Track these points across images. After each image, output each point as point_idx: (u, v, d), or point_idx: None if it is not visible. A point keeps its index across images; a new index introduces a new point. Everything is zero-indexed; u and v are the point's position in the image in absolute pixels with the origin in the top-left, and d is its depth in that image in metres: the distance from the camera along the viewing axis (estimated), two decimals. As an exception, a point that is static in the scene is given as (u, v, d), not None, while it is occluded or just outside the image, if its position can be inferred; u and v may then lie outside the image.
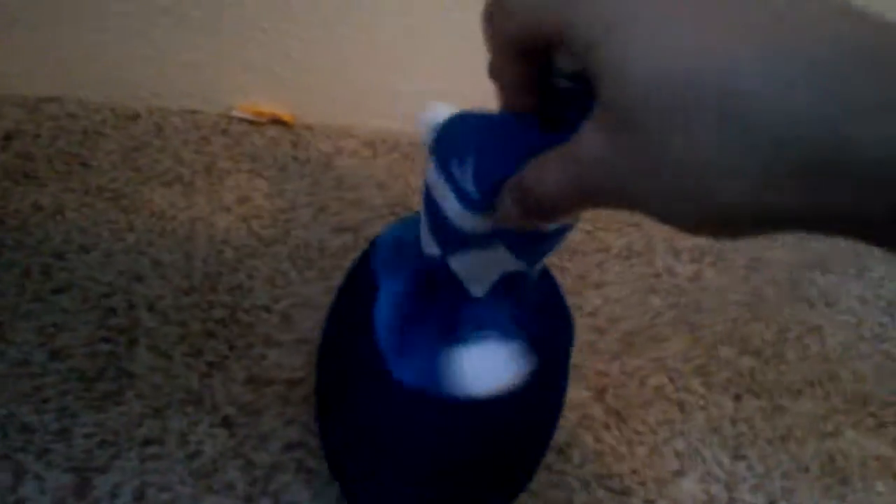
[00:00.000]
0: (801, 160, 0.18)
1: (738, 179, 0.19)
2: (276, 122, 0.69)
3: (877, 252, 0.74)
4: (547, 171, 0.24)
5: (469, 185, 0.27)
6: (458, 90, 0.72)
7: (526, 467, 0.42)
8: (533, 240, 0.31)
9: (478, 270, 0.33)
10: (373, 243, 0.42)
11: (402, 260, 0.37)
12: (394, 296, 0.37)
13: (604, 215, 0.69)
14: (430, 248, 0.33)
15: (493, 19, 0.26)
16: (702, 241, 0.70)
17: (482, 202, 0.27)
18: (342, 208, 0.62)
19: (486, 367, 0.33)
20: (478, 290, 0.34)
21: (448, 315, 0.35)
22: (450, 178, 0.28)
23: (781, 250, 0.71)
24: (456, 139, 0.29)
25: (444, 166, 0.28)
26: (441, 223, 0.30)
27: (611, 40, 0.20)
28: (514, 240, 0.30)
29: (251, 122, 0.68)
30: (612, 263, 0.65)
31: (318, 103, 0.70)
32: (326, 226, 0.60)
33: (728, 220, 0.20)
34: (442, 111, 0.30)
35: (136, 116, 0.65)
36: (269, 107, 0.69)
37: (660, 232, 0.69)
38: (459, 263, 0.33)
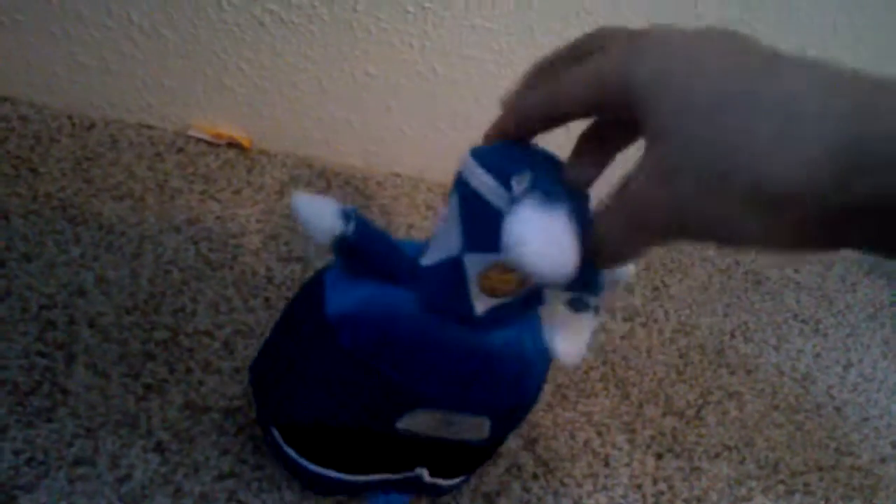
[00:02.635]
0: (830, 159, 0.22)
1: (791, 170, 0.22)
2: (233, 144, 0.69)
3: (795, 325, 0.78)
4: (611, 224, 0.28)
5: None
6: (420, 130, 0.74)
7: None
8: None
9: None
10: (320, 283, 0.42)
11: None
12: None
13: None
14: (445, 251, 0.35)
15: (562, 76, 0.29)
16: (636, 302, 0.73)
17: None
18: (292, 238, 0.63)
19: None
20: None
21: None
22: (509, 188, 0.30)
23: (709, 317, 0.75)
24: (514, 160, 0.31)
25: (505, 181, 0.30)
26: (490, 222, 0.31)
27: (671, 89, 0.25)
28: None
29: (208, 143, 0.68)
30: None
31: (276, 130, 0.71)
32: (275, 254, 0.61)
33: (793, 212, 0.23)
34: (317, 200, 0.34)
35: (91, 126, 0.64)
36: (228, 129, 0.69)
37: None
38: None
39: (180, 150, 0.66)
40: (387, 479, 0.46)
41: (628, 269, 0.38)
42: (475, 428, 0.42)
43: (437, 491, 0.48)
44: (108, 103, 0.67)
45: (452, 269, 0.35)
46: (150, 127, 0.68)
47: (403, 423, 0.41)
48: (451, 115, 0.74)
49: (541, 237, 0.28)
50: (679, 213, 0.25)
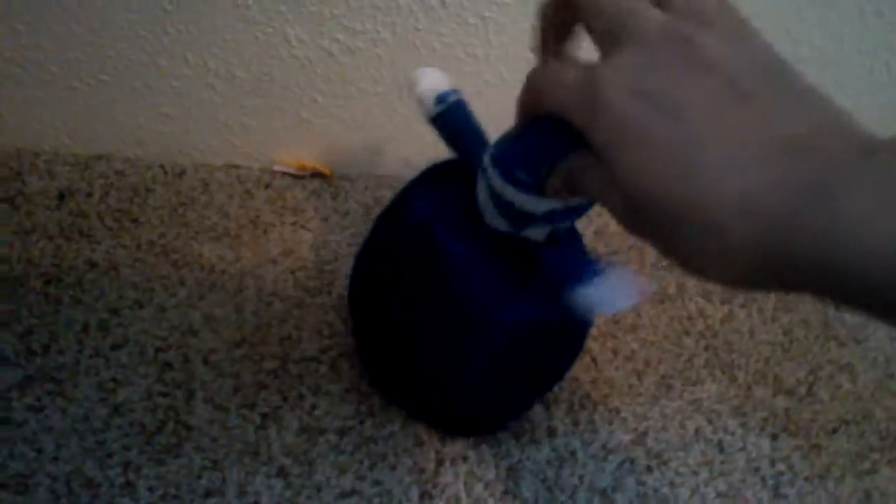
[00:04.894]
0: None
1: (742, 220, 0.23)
2: (316, 175, 0.71)
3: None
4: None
5: (527, 179, 0.33)
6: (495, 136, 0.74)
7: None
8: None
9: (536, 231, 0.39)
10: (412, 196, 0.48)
11: (468, 226, 0.42)
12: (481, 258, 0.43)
13: (635, 260, 0.70)
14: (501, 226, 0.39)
15: None
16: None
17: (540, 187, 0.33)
18: (382, 258, 0.64)
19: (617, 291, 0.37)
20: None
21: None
22: (517, 182, 0.34)
23: (810, 289, 0.73)
24: (513, 155, 0.34)
25: (510, 177, 0.34)
26: (514, 212, 0.36)
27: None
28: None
29: (292, 176, 0.71)
30: (645, 307, 0.66)
31: (355, 156, 0.73)
32: (368, 276, 0.62)
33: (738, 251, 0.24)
34: (433, 77, 0.41)
35: (182, 172, 0.67)
36: (310, 160, 0.71)
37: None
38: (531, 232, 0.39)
39: (267, 185, 0.69)
40: None
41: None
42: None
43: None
44: (196, 149, 0.70)
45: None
46: (237, 167, 0.70)
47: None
48: (523, 119, 0.74)
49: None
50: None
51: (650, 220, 0.26)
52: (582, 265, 0.38)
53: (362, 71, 0.67)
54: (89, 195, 0.63)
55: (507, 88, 0.70)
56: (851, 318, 0.71)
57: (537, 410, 0.55)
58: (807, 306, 0.70)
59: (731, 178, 0.23)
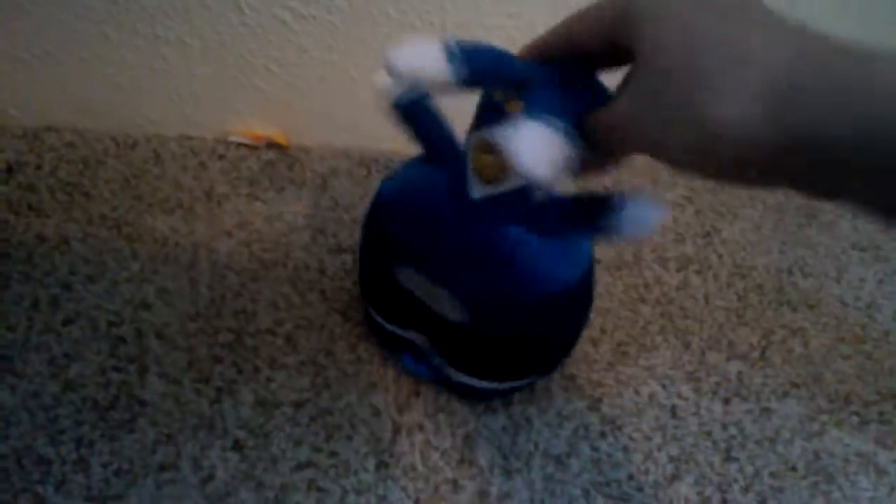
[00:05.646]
0: (769, 95, 0.26)
1: (732, 107, 0.26)
2: (272, 145, 0.71)
3: (854, 254, 0.76)
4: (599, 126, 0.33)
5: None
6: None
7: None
8: None
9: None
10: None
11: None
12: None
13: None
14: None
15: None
16: (688, 250, 0.72)
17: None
18: (339, 229, 0.64)
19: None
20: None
21: None
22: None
23: (765, 257, 0.74)
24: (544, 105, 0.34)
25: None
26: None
27: (658, 18, 0.28)
28: None
29: (247, 146, 0.70)
30: (602, 275, 0.67)
31: (312, 125, 0.72)
32: (325, 247, 0.62)
33: (724, 146, 0.27)
34: (420, 50, 0.33)
35: (134, 144, 0.66)
36: (265, 130, 0.71)
37: (648, 243, 0.71)
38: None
39: (222, 156, 0.68)
40: (413, 342, 0.53)
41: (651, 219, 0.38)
42: (452, 308, 0.46)
43: (464, 390, 0.53)
44: (148, 120, 0.68)
45: (464, 152, 0.40)
46: (190, 138, 0.69)
47: (401, 277, 0.47)
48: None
49: (525, 132, 0.32)
50: (642, 132, 0.30)
51: (679, 95, 0.28)
52: (605, 195, 0.38)
53: (317, 39, 0.66)
54: (38, 168, 0.62)
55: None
56: (804, 282, 0.72)
57: (493, 379, 0.56)
58: (760, 272, 0.71)
59: (758, 48, 0.26)
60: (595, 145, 0.34)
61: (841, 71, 0.25)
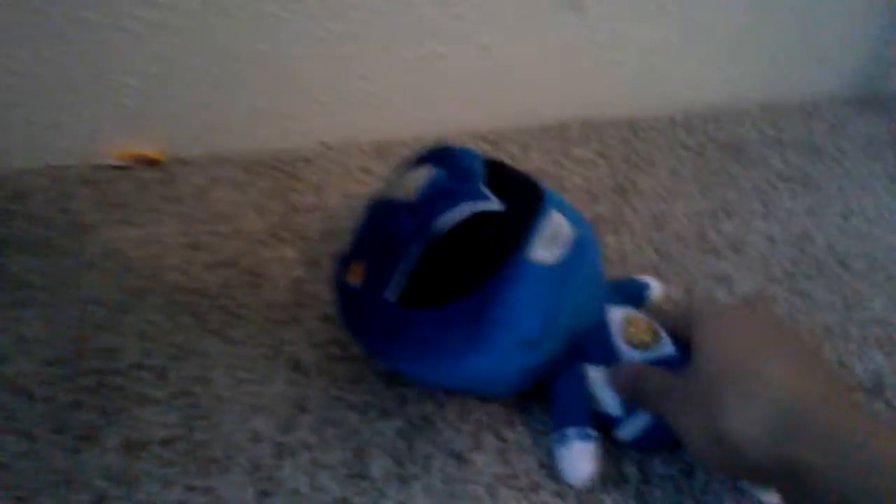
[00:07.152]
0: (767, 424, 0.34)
1: (735, 422, 0.35)
2: (147, 162, 0.66)
3: (783, 186, 0.72)
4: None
5: None
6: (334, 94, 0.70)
7: None
8: None
9: None
10: None
11: None
12: None
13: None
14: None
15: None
16: (601, 209, 0.68)
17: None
18: (217, 242, 0.60)
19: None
20: None
21: None
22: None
23: (685, 203, 0.69)
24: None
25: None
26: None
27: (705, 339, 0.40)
28: None
29: (119, 168, 0.66)
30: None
31: (187, 136, 0.68)
32: (200, 264, 0.58)
33: (728, 448, 0.35)
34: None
35: (-4, 183, 0.62)
36: (137, 148, 0.66)
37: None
38: None
39: (89, 182, 0.64)
40: None
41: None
42: None
43: None
44: (9, 155, 0.64)
45: None
46: (59, 167, 0.65)
47: None
48: (369, 70, 0.70)
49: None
50: (676, 422, 0.39)
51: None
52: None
53: (175, 45, 0.62)
54: None
55: (345, 43, 0.66)
56: (729, 224, 0.68)
57: (383, 380, 0.52)
58: (680, 221, 0.67)
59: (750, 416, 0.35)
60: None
61: (832, 425, 0.33)
